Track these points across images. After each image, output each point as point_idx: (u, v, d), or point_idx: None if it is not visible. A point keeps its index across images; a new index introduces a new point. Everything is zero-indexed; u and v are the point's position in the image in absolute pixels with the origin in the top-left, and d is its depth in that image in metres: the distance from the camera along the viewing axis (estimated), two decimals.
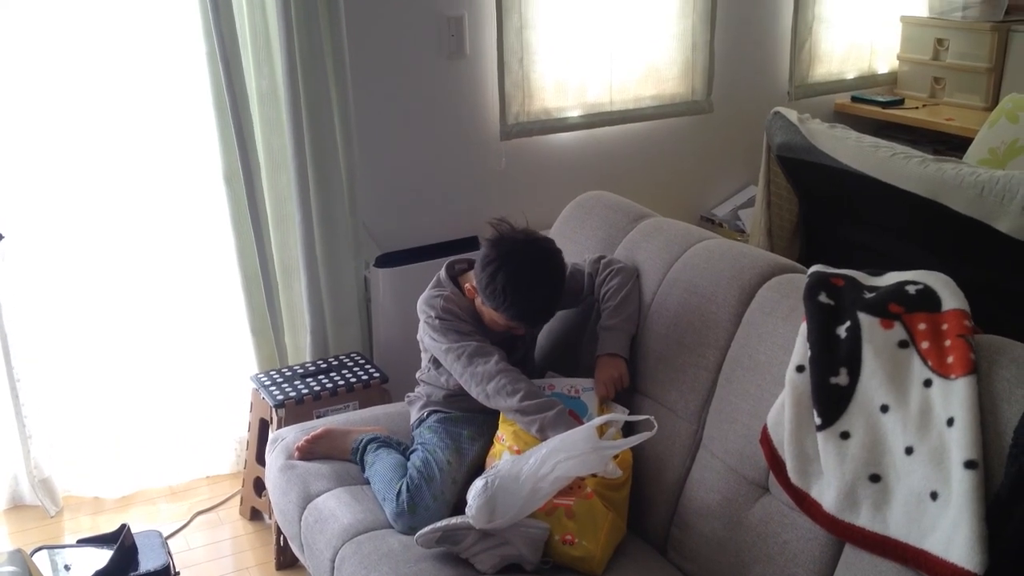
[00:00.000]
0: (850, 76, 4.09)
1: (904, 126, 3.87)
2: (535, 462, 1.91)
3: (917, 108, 3.89)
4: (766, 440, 1.83)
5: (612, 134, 3.59)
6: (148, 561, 2.27)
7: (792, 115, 3.10)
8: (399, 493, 2.08)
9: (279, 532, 2.70)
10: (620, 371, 2.20)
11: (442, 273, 2.33)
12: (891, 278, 1.82)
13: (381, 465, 2.21)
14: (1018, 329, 1.84)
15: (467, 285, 2.24)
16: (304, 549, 2.22)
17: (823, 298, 1.79)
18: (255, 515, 2.99)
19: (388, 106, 3.14)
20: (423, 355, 2.38)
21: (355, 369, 2.86)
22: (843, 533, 1.66)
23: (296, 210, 2.89)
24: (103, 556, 2.23)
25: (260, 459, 2.91)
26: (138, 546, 2.31)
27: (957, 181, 2.55)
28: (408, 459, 2.23)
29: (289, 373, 2.85)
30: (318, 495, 2.24)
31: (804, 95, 3.97)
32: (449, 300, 2.25)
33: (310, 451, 2.35)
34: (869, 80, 4.13)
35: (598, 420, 1.98)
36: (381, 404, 2.70)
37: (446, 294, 2.26)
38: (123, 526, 2.32)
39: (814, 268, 1.96)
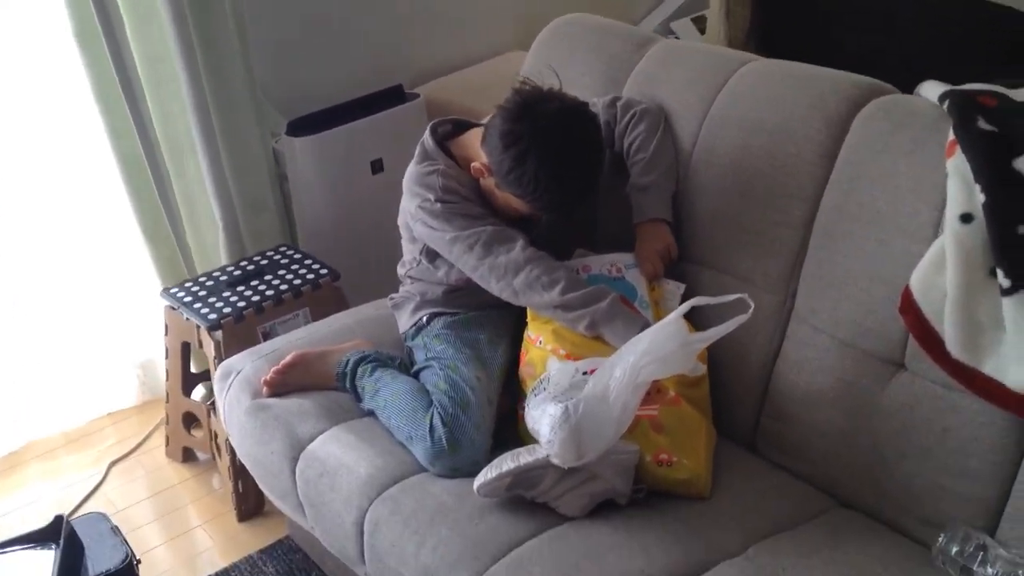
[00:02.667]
0: None
1: None
2: (623, 373, 1.49)
3: None
4: (911, 307, 1.46)
5: None
6: (101, 557, 1.72)
7: None
8: (432, 428, 1.63)
9: (237, 476, 2.19)
10: (666, 240, 1.78)
11: (427, 140, 1.80)
12: None
13: (390, 393, 1.74)
14: None
15: (474, 164, 1.73)
16: (307, 509, 1.75)
17: (983, 124, 1.40)
18: (188, 456, 2.46)
19: None
20: (409, 245, 1.89)
21: (293, 267, 2.31)
22: None
23: (180, 68, 2.23)
24: (43, 562, 1.67)
25: (186, 390, 2.37)
26: (81, 538, 1.76)
27: None
28: (419, 380, 1.77)
29: (210, 282, 2.26)
30: (311, 440, 1.76)
31: None
32: (447, 176, 1.74)
33: (283, 383, 1.85)
34: None
35: (684, 307, 1.55)
36: (338, 309, 2.18)
37: (441, 168, 1.75)
38: (58, 518, 1.76)
39: (933, 84, 1.57)
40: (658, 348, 1.51)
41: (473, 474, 1.58)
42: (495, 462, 1.54)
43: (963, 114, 1.43)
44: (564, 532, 1.51)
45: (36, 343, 2.51)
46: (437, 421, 1.63)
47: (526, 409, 1.59)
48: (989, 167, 1.36)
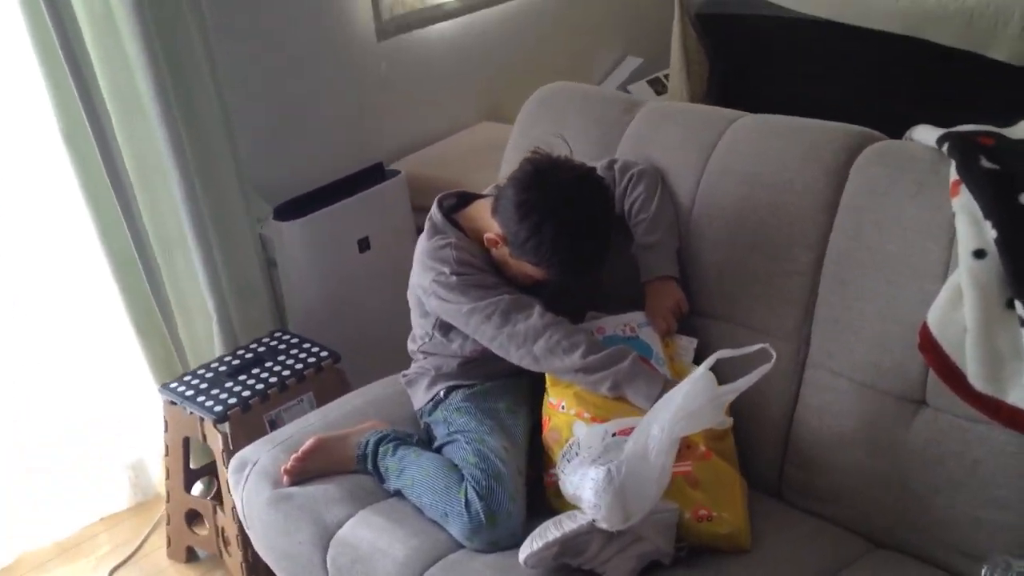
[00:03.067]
0: None
1: None
2: (660, 431, 1.50)
3: None
4: (931, 345, 1.50)
5: (490, 17, 3.13)
6: None
7: None
8: (468, 503, 1.61)
9: (251, 572, 2.13)
10: (676, 296, 1.81)
11: (436, 215, 1.82)
12: None
13: (418, 471, 1.72)
14: None
15: (488, 235, 1.74)
16: None
17: (985, 163, 1.47)
18: (191, 555, 2.39)
19: (245, 20, 2.50)
20: (420, 320, 1.88)
21: (292, 352, 2.28)
22: None
23: (170, 162, 2.22)
24: None
25: (188, 486, 2.32)
26: None
27: (940, 11, 2.31)
28: (443, 455, 1.76)
29: (210, 374, 2.23)
30: (339, 525, 1.73)
31: None
32: (460, 248, 1.75)
33: (303, 470, 1.81)
34: None
35: (710, 360, 1.57)
36: (341, 391, 2.15)
37: (453, 241, 1.76)
38: None
39: (926, 128, 1.63)
40: (690, 404, 1.53)
41: (512, 547, 1.57)
42: (538, 531, 1.53)
43: (965, 154, 1.49)
44: None
45: (22, 450, 2.44)
46: (472, 495, 1.62)
47: (561, 476, 1.59)
48: (997, 204, 1.42)
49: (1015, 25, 2.19)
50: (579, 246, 1.68)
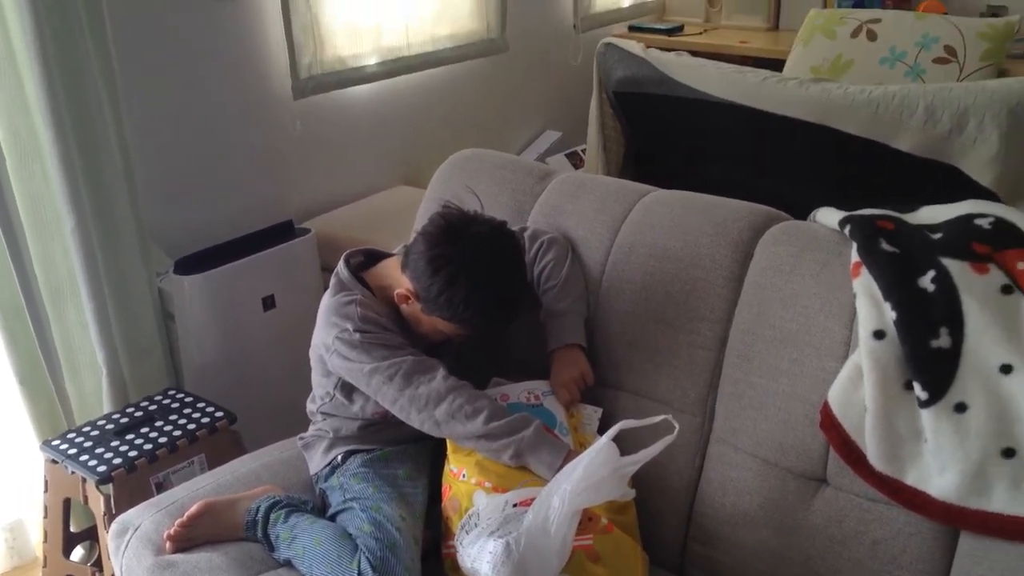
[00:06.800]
0: (625, 4, 3.88)
1: (696, 53, 3.72)
2: (561, 502, 1.47)
3: (700, 33, 3.77)
4: (831, 424, 1.51)
5: (411, 83, 3.13)
6: None
7: (630, 45, 2.82)
8: (360, 574, 1.55)
9: None
10: (581, 367, 1.79)
11: (342, 271, 1.77)
12: (940, 213, 1.57)
13: (309, 539, 1.65)
14: None
15: (398, 291, 1.71)
16: None
17: (886, 245, 1.50)
18: None
19: (155, 71, 2.44)
20: (322, 379, 1.82)
21: (185, 411, 2.19)
22: (969, 522, 1.39)
23: (65, 208, 2.13)
24: None
25: (67, 551, 2.18)
26: None
27: (847, 101, 2.39)
28: (337, 523, 1.69)
29: (95, 432, 2.12)
30: None
31: (589, 27, 3.72)
32: (365, 306, 1.71)
33: (188, 537, 1.72)
34: (641, 8, 3.96)
35: (613, 431, 1.54)
36: (235, 454, 2.07)
37: (358, 298, 1.72)
38: None
39: (829, 211, 1.67)
40: (592, 474, 1.50)
41: None
42: None
43: (866, 237, 1.52)
44: None
45: None
46: (365, 566, 1.55)
47: (459, 547, 1.54)
48: (897, 286, 1.45)
49: (919, 118, 2.28)
50: (494, 300, 1.65)
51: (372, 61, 2.96)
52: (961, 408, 1.39)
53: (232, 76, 2.63)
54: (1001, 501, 1.36)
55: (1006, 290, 1.41)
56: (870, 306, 1.48)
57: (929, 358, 1.41)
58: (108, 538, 1.83)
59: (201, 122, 2.58)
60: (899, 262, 1.47)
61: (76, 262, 2.18)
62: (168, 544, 1.71)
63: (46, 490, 2.15)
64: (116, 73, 2.21)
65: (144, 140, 2.39)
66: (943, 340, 1.41)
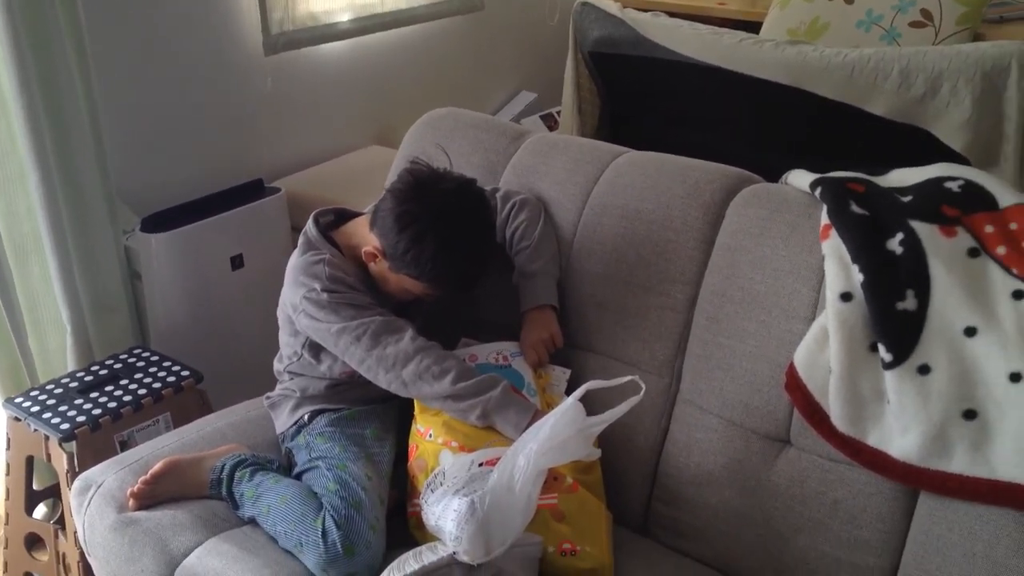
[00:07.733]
0: None
1: (673, 14, 3.68)
2: (527, 461, 1.46)
3: None
4: (796, 385, 1.52)
5: (385, 40, 3.09)
6: None
7: (607, 5, 2.78)
8: (325, 532, 1.54)
9: None
10: (551, 329, 1.79)
11: (311, 230, 1.75)
12: (910, 176, 1.56)
13: (274, 497, 1.64)
14: None
15: (366, 249, 1.69)
16: None
17: (855, 208, 1.49)
18: None
19: (124, 27, 2.39)
20: (289, 339, 1.80)
21: (150, 370, 2.16)
22: (929, 483, 1.40)
23: (30, 164, 2.09)
24: None
25: (28, 509, 2.16)
26: None
27: (822, 64, 2.37)
28: (303, 482, 1.68)
29: (59, 390, 2.09)
30: (186, 554, 1.62)
31: None
32: (333, 265, 1.69)
33: (152, 494, 1.70)
34: None
35: (580, 391, 1.54)
36: (201, 413, 2.05)
37: (327, 257, 1.70)
38: None
39: (801, 173, 1.66)
40: (558, 434, 1.49)
41: None
42: (395, 564, 1.47)
43: (836, 199, 1.52)
44: None
45: None
46: (330, 524, 1.54)
47: (424, 505, 1.53)
48: (866, 248, 1.45)
49: (893, 81, 2.26)
50: (461, 258, 1.64)
51: (345, 17, 2.91)
52: (925, 370, 1.39)
53: (202, 31, 2.57)
54: (961, 462, 1.37)
55: (973, 253, 1.41)
56: (838, 268, 1.48)
57: (895, 320, 1.41)
58: (71, 496, 1.81)
59: (170, 78, 2.53)
60: (868, 224, 1.47)
61: (40, 218, 2.14)
62: (131, 501, 1.70)
63: (8, 448, 2.12)
64: (83, 27, 2.16)
65: (112, 96, 2.34)
66: (909, 302, 1.41)
